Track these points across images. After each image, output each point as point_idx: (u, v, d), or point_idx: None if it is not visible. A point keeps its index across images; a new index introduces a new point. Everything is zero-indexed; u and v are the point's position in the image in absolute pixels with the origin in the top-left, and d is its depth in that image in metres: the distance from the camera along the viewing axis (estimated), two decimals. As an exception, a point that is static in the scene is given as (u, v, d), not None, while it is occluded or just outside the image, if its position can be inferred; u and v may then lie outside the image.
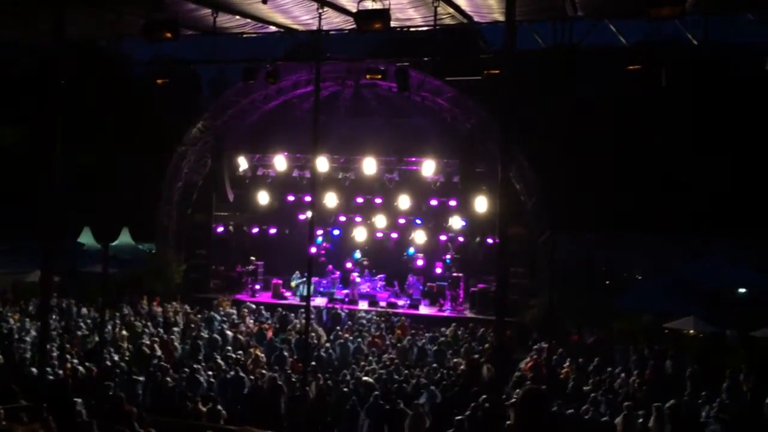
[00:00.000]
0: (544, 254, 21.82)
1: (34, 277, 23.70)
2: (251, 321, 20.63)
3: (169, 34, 11.43)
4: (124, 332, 17.76)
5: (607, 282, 24.16)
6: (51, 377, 12.47)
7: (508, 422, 9.34)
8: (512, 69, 7.39)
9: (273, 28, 15.33)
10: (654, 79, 11.93)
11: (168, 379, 13.71)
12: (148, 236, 27.85)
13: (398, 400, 12.40)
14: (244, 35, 15.83)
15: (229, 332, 18.50)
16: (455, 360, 16.86)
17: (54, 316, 18.74)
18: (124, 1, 13.00)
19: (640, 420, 12.04)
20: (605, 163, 24.41)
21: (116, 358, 15.12)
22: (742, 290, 22.34)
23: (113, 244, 26.94)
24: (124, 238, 29.87)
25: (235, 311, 21.77)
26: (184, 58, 17.81)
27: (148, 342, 16.62)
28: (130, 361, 15.24)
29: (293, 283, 25.15)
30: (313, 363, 15.09)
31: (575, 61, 13.00)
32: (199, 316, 21.05)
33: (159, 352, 15.90)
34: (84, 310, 20.52)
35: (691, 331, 19.23)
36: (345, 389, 13.43)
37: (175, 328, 18.98)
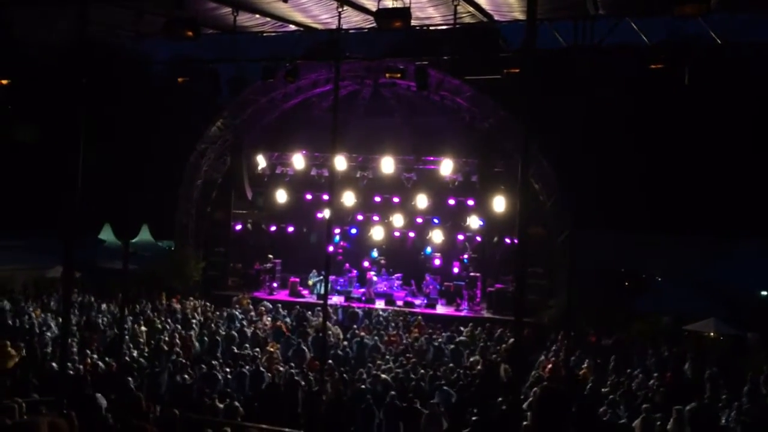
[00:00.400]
0: (563, 254, 21.65)
1: (56, 272, 24.02)
2: (269, 318, 20.71)
3: (190, 33, 11.52)
4: (143, 328, 17.92)
5: (627, 283, 23.92)
6: (71, 372, 12.61)
7: (525, 423, 9.30)
8: (533, 68, 7.33)
9: (293, 27, 15.37)
10: (677, 78, 11.78)
11: (186, 375, 13.81)
12: (167, 233, 28.07)
13: (415, 399, 12.37)
14: (264, 34, 15.88)
15: (247, 329, 18.60)
16: (472, 359, 16.79)
17: (74, 312, 18.95)
18: (144, 0, 13.11)
19: (659, 423, 11.91)
20: (626, 162, 24.18)
21: (135, 354, 15.28)
22: (764, 293, 22.02)
23: (133, 240, 27.23)
24: (144, 235, 30.14)
25: (252, 309, 21.87)
26: (203, 57, 17.92)
27: (166, 338, 16.76)
28: (149, 356, 15.38)
29: (310, 282, 25.24)
30: (330, 361, 15.10)
31: (596, 60, 12.88)
32: (217, 313, 21.19)
33: (177, 348, 16.01)
34: (104, 306, 20.74)
35: (712, 334, 18.98)
36: (362, 387, 13.43)
37: (194, 325, 19.11)
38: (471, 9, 13.08)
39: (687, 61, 11.61)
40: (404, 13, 10.95)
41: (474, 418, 11.07)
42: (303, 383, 13.71)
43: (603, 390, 14.12)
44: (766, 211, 22.37)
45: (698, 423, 12.37)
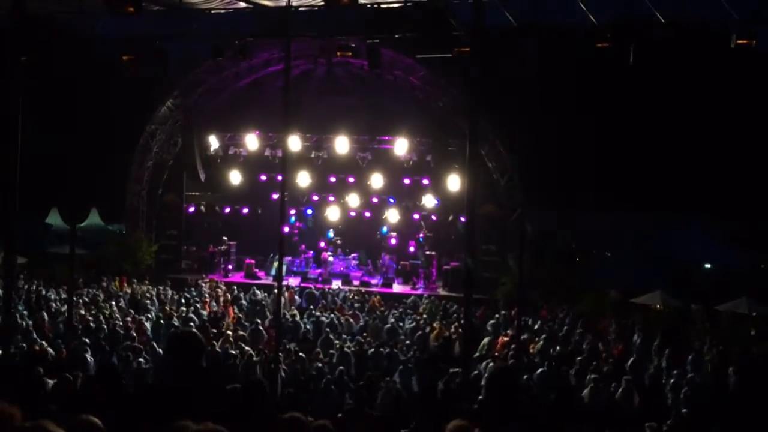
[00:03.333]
0: (515, 232, 22.03)
1: None
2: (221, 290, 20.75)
3: (131, 9, 11.17)
4: (93, 313, 17.55)
5: (577, 259, 24.50)
6: (18, 358, 12.30)
7: (480, 397, 9.51)
8: (481, 46, 7.39)
9: (242, 4, 15.11)
10: (622, 57, 12.02)
11: (140, 359, 13.62)
12: (117, 217, 27.46)
13: (371, 376, 12.49)
14: (212, 11, 15.57)
15: (203, 311, 18.45)
16: (426, 333, 17.03)
17: (21, 298, 18.44)
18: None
19: (610, 389, 12.33)
20: (577, 141, 24.65)
21: (87, 340, 14.97)
22: (707, 265, 22.84)
23: (81, 224, 26.54)
24: (93, 218, 29.42)
25: (206, 288, 21.70)
26: (151, 35, 17.45)
27: (120, 323, 16.48)
28: (102, 342, 15.09)
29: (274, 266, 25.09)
30: (287, 341, 15.10)
31: (546, 39, 13.03)
32: (171, 295, 20.89)
33: (131, 333, 15.76)
34: (52, 292, 20.22)
35: (658, 306, 19.63)
36: (319, 366, 13.50)
37: (150, 308, 18.82)
38: (422, -13, 13.06)
39: (631, 40, 11.85)
40: (353, -10, 10.85)
41: (428, 392, 11.26)
42: (259, 366, 13.69)
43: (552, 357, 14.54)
44: (704, 187, 23.14)
45: (645, 390, 12.87)
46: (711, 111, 23.07)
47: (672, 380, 13.20)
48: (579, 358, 14.54)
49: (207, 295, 20.91)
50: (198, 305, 19.31)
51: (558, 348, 15.61)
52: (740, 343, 16.46)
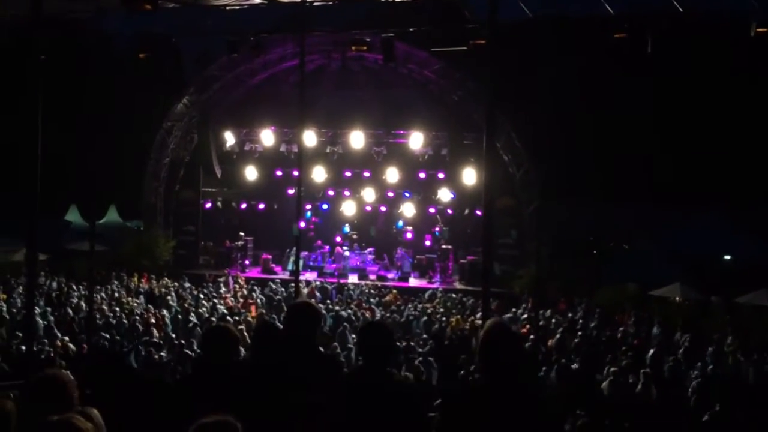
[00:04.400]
0: (532, 225, 21.95)
1: (21, 256, 23.57)
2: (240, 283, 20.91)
3: (148, 6, 11.23)
4: (115, 309, 17.74)
5: (595, 252, 24.35)
6: (42, 355, 12.47)
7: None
8: (496, 39, 7.34)
9: (257, 0, 15.14)
10: (640, 48, 11.88)
11: (158, 355, 13.74)
12: (135, 213, 27.70)
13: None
14: (227, 7, 15.62)
15: (221, 306, 18.58)
16: (443, 327, 17.02)
17: (42, 295, 18.68)
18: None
19: (630, 381, 12.24)
20: (593, 133, 24.45)
21: (107, 335, 15.12)
22: (727, 257, 22.60)
23: (100, 221, 26.82)
24: (112, 215, 29.68)
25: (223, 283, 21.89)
26: (166, 33, 17.56)
27: (138, 318, 16.63)
28: (121, 338, 15.25)
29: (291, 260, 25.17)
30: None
31: (562, 31, 12.93)
32: (189, 290, 21.04)
33: (151, 329, 15.90)
34: (73, 288, 20.46)
35: (677, 299, 19.45)
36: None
37: (171, 304, 18.98)
38: (436, -20, 13.01)
39: (649, 30, 11.71)
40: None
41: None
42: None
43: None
44: (723, 178, 22.89)
45: (664, 383, 12.76)
46: (730, 101, 22.77)
47: (695, 372, 13.06)
48: (596, 350, 14.46)
49: (224, 290, 21.06)
50: (216, 300, 19.45)
51: (576, 341, 15.51)
52: (761, 335, 16.27)
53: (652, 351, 14.59)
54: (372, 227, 27.07)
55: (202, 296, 19.94)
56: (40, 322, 15.57)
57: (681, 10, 11.67)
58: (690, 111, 23.06)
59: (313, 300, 20.07)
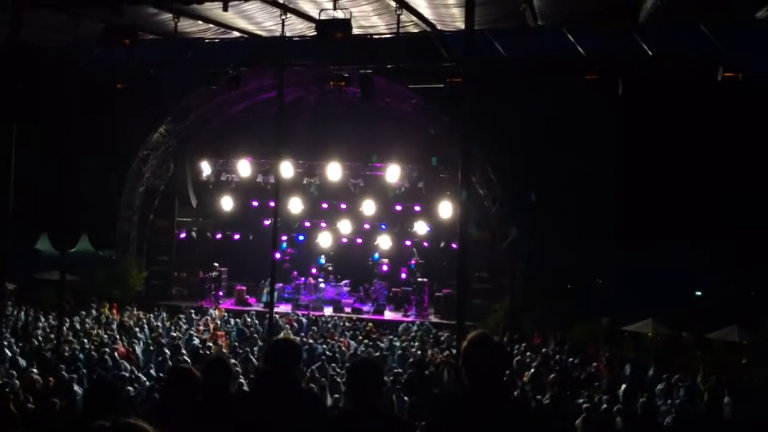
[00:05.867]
0: (507, 259, 22.09)
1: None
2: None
3: (127, 41, 11.29)
4: (84, 340, 17.38)
5: (569, 286, 24.52)
6: (7, 388, 12.13)
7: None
8: (472, 77, 7.50)
9: (236, 34, 15.27)
10: (610, 89, 12.21)
11: (129, 388, 13.46)
12: (108, 243, 27.28)
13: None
14: (206, 40, 15.72)
15: (195, 339, 18.32)
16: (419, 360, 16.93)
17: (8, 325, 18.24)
18: (81, 4, 12.80)
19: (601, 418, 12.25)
20: (567, 169, 24.84)
21: (75, 368, 14.78)
22: (698, 293, 22.93)
23: (71, 250, 26.35)
24: (83, 244, 29.17)
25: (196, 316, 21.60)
26: (144, 62, 17.56)
27: (108, 350, 16.30)
28: (88, 370, 14.91)
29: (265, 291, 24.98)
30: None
31: (535, 70, 13.22)
32: (161, 323, 20.73)
33: (120, 361, 15.59)
34: (40, 319, 20.02)
35: (650, 334, 19.64)
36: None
37: (139, 336, 18.66)
38: (414, 18, 13.26)
39: (619, 72, 12.05)
40: (345, 24, 11.03)
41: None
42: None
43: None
44: (693, 215, 23.37)
45: (638, 420, 12.80)
46: (700, 140, 23.37)
47: (673, 410, 13.13)
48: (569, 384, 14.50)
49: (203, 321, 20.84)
50: (192, 332, 19.20)
51: (552, 376, 15.54)
52: (732, 372, 16.46)
53: (624, 386, 14.70)
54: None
55: (173, 328, 19.66)
56: (8, 353, 15.20)
57: (650, 53, 12.05)
58: (661, 150, 23.63)
59: (288, 329, 19.93)
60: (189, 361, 15.78)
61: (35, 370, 13.99)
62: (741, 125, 22.48)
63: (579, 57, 13.13)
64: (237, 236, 27.21)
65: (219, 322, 21.04)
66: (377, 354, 17.63)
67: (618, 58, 12.31)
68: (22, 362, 14.77)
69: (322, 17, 11.67)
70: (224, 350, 17.13)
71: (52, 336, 17.44)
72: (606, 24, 9.66)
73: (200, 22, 14.33)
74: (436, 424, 3.56)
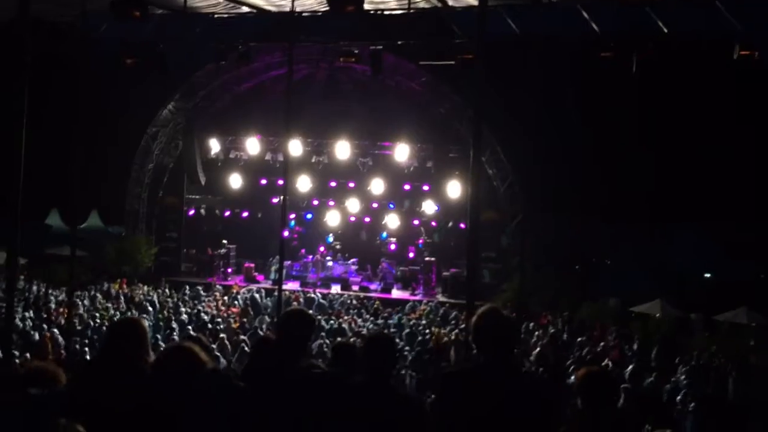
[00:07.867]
0: (516, 239, 22.06)
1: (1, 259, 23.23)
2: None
3: (137, 14, 11.20)
4: (93, 314, 17.53)
5: (577, 267, 24.49)
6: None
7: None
8: (483, 54, 7.40)
9: (245, 9, 15.11)
10: (625, 67, 12.04)
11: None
12: (117, 219, 27.43)
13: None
14: (216, 15, 15.58)
15: (204, 314, 18.43)
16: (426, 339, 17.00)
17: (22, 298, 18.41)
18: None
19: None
20: (578, 149, 24.69)
21: (87, 341, 14.92)
22: (707, 275, 22.86)
23: (81, 226, 26.52)
24: (93, 220, 29.39)
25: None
26: (153, 39, 17.44)
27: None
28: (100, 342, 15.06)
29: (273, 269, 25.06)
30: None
31: (549, 48, 13.06)
32: (170, 299, 20.85)
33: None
34: (52, 293, 20.20)
35: (658, 315, 19.61)
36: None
37: (149, 309, 18.81)
38: (426, -6, 13.09)
39: (634, 50, 11.87)
40: (357, -3, 10.89)
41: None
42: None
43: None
44: (705, 196, 23.23)
45: (645, 401, 12.81)
46: (711, 120, 23.15)
47: (683, 391, 13.13)
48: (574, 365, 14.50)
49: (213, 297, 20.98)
50: (200, 307, 19.31)
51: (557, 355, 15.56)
52: (739, 354, 16.43)
53: (630, 367, 14.70)
54: (362, 232, 27.04)
55: (181, 303, 19.77)
56: (20, 324, 15.36)
57: (665, 31, 11.86)
58: (673, 128, 23.40)
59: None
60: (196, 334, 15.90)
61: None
62: (758, 105, 22.22)
63: (594, 34, 12.94)
64: (245, 214, 27.26)
65: (231, 298, 21.15)
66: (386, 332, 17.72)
67: (633, 35, 12.13)
68: (35, 334, 14.93)
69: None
70: (234, 325, 17.21)
71: (62, 310, 17.62)
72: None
73: (210, -4, 14.23)
74: (449, 398, 3.56)
